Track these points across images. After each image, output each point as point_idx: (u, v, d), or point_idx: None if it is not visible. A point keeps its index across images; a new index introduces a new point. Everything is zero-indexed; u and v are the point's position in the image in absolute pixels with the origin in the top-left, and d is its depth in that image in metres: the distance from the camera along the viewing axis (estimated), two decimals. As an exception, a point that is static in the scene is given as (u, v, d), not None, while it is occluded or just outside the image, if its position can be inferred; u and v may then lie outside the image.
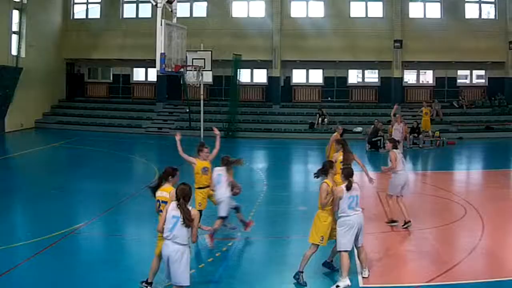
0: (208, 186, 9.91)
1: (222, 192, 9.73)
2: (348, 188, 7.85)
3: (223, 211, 9.70)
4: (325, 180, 8.01)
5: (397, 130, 19.24)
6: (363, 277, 8.02)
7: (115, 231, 10.87)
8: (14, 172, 18.01)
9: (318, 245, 8.00)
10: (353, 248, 8.06)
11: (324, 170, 8.12)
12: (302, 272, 7.90)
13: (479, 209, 11.97)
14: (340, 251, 7.90)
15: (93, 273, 8.28)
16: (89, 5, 31.06)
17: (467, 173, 18.92)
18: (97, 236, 10.46)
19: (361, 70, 30.52)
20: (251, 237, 10.37)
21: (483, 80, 30.35)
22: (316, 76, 30.45)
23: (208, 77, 28.00)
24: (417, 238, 10.22)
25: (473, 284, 7.76)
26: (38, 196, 13.46)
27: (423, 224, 10.97)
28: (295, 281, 7.89)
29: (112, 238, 10.36)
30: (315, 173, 8.36)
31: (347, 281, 7.69)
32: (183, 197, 6.51)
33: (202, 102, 25.76)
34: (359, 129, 26.41)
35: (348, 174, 8.01)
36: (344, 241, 7.83)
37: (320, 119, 26.88)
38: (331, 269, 8.38)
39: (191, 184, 7.08)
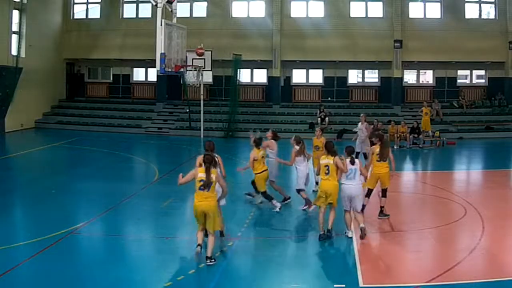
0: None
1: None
2: (352, 162, 9.84)
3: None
4: (335, 157, 9.86)
5: (361, 130, 18.62)
6: (347, 236, 9.84)
7: (115, 231, 10.87)
8: (14, 172, 17.99)
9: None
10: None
11: (333, 151, 9.97)
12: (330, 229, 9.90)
13: (479, 209, 11.96)
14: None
15: (93, 273, 8.28)
16: (89, 5, 31.02)
17: (467, 173, 18.92)
18: (97, 236, 10.46)
19: (361, 70, 30.49)
20: (251, 237, 10.40)
21: (483, 80, 30.33)
22: (316, 76, 30.43)
23: (208, 77, 28.03)
24: (417, 238, 10.22)
25: (473, 284, 7.76)
26: (38, 196, 13.46)
27: (423, 224, 10.98)
28: (324, 240, 9.75)
29: (112, 238, 10.36)
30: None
31: (350, 233, 9.94)
32: (349, 153, 9.93)
33: (202, 102, 25.86)
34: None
35: (350, 151, 10.07)
36: (343, 203, 9.96)
37: (319, 118, 26.85)
38: (329, 237, 9.81)
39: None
